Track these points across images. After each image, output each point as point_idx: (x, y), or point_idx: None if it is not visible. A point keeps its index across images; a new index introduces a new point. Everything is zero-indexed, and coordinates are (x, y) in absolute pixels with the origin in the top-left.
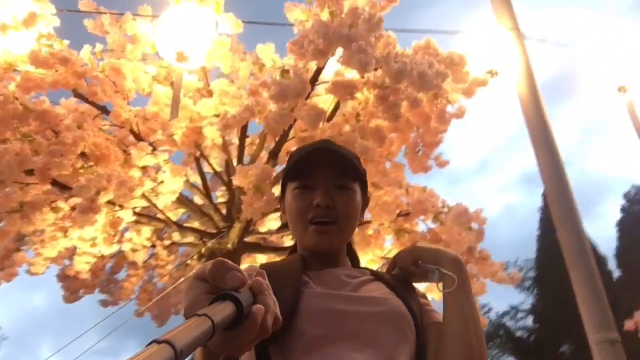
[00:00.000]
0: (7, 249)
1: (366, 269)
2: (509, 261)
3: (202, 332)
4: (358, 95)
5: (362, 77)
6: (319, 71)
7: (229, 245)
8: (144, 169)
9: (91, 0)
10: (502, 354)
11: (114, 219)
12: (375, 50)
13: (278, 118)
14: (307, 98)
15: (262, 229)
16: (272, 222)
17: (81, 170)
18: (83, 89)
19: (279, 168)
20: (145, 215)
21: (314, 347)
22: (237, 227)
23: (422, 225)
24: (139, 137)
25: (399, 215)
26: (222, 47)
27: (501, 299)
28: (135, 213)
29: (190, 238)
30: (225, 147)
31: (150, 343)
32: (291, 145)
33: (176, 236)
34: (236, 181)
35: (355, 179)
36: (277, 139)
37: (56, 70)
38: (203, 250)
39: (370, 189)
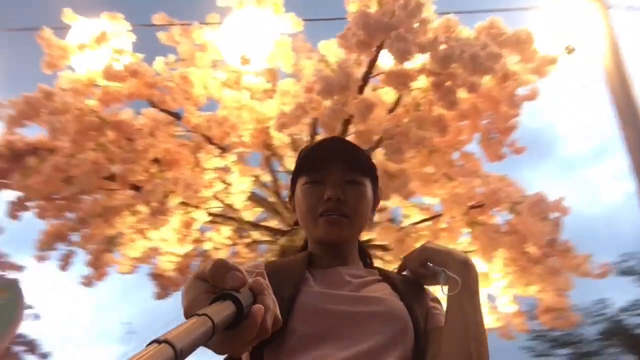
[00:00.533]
0: (97, 250)
1: (377, 268)
2: (632, 252)
3: (202, 332)
4: (416, 84)
5: (402, 64)
6: (372, 63)
7: (299, 243)
8: (215, 171)
9: (163, 14)
10: (621, 353)
11: (188, 220)
12: (420, 36)
13: (331, 113)
14: (361, 91)
15: None
16: None
17: (156, 175)
18: (156, 98)
19: None
20: (219, 215)
21: (300, 346)
22: None
23: (500, 217)
24: (211, 141)
25: (472, 207)
26: (283, 47)
27: (625, 293)
28: (210, 214)
29: (268, 236)
30: (295, 145)
31: (150, 343)
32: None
33: (256, 234)
34: None
35: (366, 174)
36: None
37: (130, 83)
38: (274, 247)
39: (442, 180)
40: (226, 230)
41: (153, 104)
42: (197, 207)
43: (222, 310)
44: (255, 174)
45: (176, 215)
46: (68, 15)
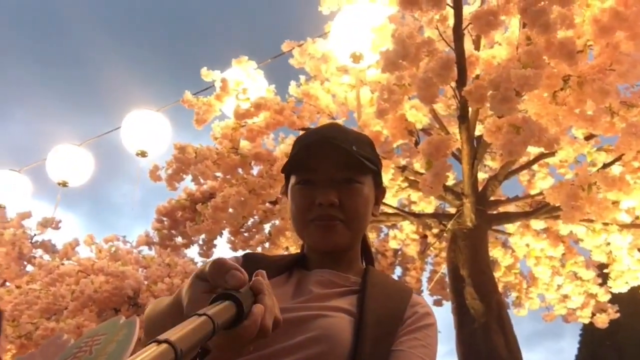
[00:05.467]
0: None
1: (369, 273)
2: None
3: (203, 332)
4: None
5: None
6: (458, 12)
7: (469, 223)
8: None
9: (288, 41)
10: None
11: None
12: None
13: (422, 84)
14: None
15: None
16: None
17: None
18: (289, 121)
19: None
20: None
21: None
22: (467, 202)
23: None
24: None
25: None
26: (384, 32)
27: None
28: None
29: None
30: (440, 122)
31: (150, 343)
32: None
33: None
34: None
35: (364, 170)
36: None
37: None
38: (445, 234)
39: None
40: (407, 226)
41: (291, 128)
42: None
43: (222, 310)
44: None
45: None
46: (205, 74)
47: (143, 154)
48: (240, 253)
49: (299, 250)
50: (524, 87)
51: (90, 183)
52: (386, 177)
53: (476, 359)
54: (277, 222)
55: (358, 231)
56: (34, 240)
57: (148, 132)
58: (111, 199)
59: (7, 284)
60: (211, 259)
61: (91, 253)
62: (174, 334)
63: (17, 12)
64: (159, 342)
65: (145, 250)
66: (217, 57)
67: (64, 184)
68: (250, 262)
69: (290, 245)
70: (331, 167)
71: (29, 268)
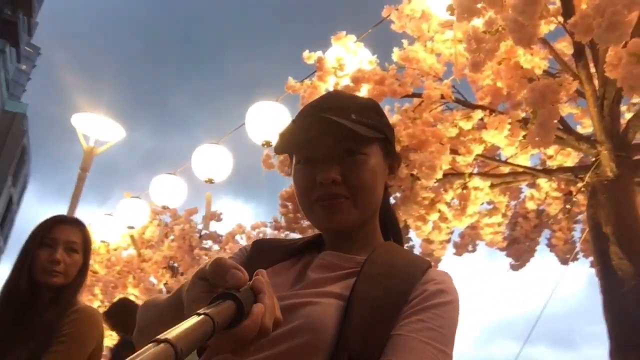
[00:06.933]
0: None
1: (381, 253)
2: None
3: (203, 332)
4: None
5: None
6: None
7: (609, 173)
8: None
9: (388, 6)
10: None
11: (462, 194)
12: None
13: (513, 26)
14: None
15: None
16: None
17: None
18: (391, 89)
19: None
20: (497, 176)
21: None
22: (603, 149)
23: None
24: (466, 104)
25: None
26: None
27: None
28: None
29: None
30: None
31: (150, 342)
32: None
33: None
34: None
35: (368, 140)
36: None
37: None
38: (582, 187)
39: None
40: (545, 184)
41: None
42: (472, 174)
43: (222, 310)
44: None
45: (449, 192)
46: (307, 57)
47: (268, 144)
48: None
49: None
50: (633, 6)
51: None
52: (501, 134)
53: (627, 327)
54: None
55: (367, 206)
56: (202, 233)
57: (270, 122)
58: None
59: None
60: (212, 258)
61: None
62: (174, 333)
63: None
64: (159, 342)
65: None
66: (323, 37)
67: (211, 181)
68: (259, 249)
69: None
70: (329, 141)
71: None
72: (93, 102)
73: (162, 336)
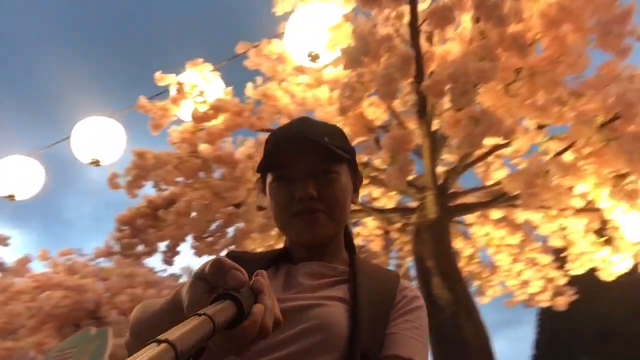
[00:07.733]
0: None
1: (356, 262)
2: None
3: (203, 332)
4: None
5: None
6: (413, 10)
7: (432, 215)
8: None
9: (243, 42)
10: None
11: None
12: None
13: (383, 80)
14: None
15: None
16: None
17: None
18: (249, 122)
19: None
20: None
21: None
22: (430, 195)
23: None
24: None
25: (609, 121)
26: (342, 31)
27: None
28: None
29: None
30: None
31: (150, 342)
32: None
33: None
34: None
35: (339, 160)
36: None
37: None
38: (409, 228)
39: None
40: (371, 222)
41: (251, 129)
42: None
43: (222, 310)
44: (363, 161)
45: None
46: (159, 78)
47: (96, 163)
48: (219, 254)
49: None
50: (482, 79)
51: (41, 196)
52: None
53: (448, 348)
54: (242, 225)
55: (340, 220)
56: None
57: (101, 139)
58: (63, 213)
59: None
60: (212, 258)
61: (45, 268)
62: (174, 333)
63: None
64: (159, 342)
65: (102, 262)
66: (171, 61)
67: (11, 198)
68: (235, 260)
69: (257, 247)
70: (306, 160)
71: None
72: None
73: (162, 337)
